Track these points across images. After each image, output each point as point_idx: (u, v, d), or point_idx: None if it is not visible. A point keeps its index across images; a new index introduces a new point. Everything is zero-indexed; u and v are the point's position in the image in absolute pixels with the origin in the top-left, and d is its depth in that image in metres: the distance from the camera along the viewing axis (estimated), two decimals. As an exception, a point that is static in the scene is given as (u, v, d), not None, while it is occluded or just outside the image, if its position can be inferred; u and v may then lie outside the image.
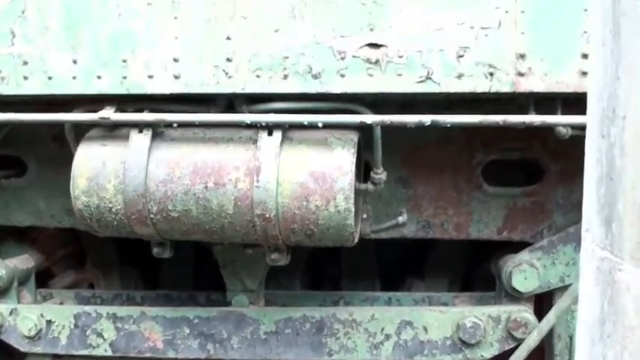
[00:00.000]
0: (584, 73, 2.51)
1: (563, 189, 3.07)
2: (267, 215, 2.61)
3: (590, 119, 1.27)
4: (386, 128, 2.72)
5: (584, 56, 2.53)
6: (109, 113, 2.80)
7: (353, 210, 2.60)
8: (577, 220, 2.37)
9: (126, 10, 2.79)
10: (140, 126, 2.80)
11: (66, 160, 2.91)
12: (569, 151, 2.90)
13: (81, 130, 2.97)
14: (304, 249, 3.37)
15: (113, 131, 2.89)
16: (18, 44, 2.90)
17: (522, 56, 2.57)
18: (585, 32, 2.53)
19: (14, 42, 2.91)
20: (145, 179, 2.70)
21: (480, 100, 2.74)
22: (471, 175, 3.10)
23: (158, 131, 2.81)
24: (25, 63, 2.89)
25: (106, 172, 2.76)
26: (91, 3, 2.81)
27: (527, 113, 2.67)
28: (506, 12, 2.58)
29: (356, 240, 2.81)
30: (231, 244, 3.01)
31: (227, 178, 2.66)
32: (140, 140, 2.76)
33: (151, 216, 2.72)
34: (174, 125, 2.81)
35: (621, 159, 1.11)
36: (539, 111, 2.67)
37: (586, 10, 2.52)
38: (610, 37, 1.18)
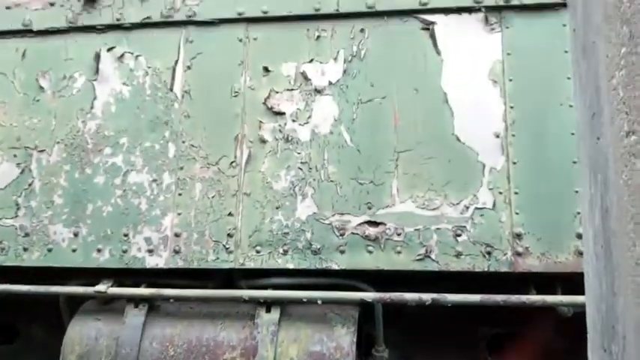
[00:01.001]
0: (581, 253, 2.53)
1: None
2: (264, 399, 2.50)
3: (591, 329, 1.25)
4: (388, 303, 2.69)
5: (580, 236, 2.57)
6: (105, 287, 2.77)
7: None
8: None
9: (131, 186, 2.87)
10: (136, 300, 2.76)
11: (59, 332, 2.84)
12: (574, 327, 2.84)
13: (76, 302, 2.93)
14: None
15: (108, 304, 2.85)
16: (21, 216, 2.95)
17: (518, 236, 2.61)
18: (579, 213, 2.59)
19: (18, 214, 2.96)
20: (137, 357, 2.61)
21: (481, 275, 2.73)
22: (476, 349, 3.01)
23: (154, 305, 2.77)
24: (27, 235, 2.92)
25: (97, 349, 2.68)
26: (97, 179, 2.90)
27: (527, 291, 2.65)
28: (500, 193, 2.66)
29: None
30: None
31: (222, 358, 2.58)
32: (135, 315, 2.72)
33: (142, 397, 2.60)
34: (171, 300, 2.78)
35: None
36: (540, 289, 2.65)
37: (577, 191, 2.60)
38: (602, 252, 1.19)
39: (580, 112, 1.34)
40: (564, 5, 2.70)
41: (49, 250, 2.88)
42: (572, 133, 2.60)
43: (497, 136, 2.71)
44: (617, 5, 1.16)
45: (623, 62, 1.12)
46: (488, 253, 2.62)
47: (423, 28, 2.84)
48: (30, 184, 2.99)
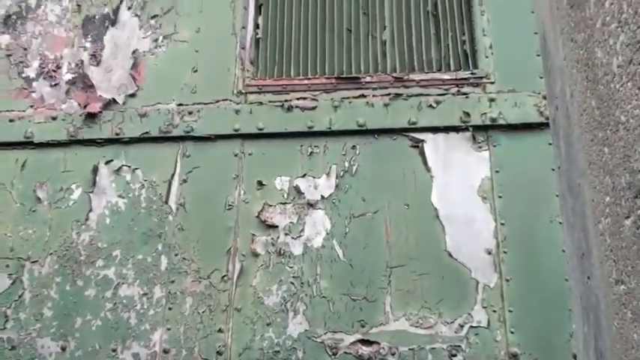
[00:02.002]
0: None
1: None
2: None
3: None
4: None
5: (575, 357, 2.52)
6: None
7: None
8: None
9: (121, 299, 2.85)
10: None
11: None
12: None
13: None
14: None
15: None
16: (9, 328, 2.90)
17: (515, 356, 2.56)
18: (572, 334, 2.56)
19: (6, 326, 2.91)
20: None
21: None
22: None
23: None
24: (13, 348, 2.85)
25: None
26: (88, 292, 2.88)
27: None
28: (494, 311, 2.63)
29: None
30: None
31: None
32: None
33: None
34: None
35: None
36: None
37: (570, 310, 2.57)
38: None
39: (569, 247, 1.35)
40: (548, 125, 2.80)
41: (34, 366, 2.81)
42: (564, 250, 2.61)
43: (490, 253, 2.72)
44: (599, 154, 1.18)
45: (607, 210, 1.12)
46: (485, 376, 2.55)
47: (413, 146, 2.93)
48: (20, 296, 2.95)
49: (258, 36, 3.28)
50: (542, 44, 2.08)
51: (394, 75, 3.06)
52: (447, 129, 2.92)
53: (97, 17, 3.45)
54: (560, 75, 1.77)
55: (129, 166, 3.09)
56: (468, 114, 2.91)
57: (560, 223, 2.66)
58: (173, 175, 3.04)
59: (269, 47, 3.27)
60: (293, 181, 2.95)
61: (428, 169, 2.88)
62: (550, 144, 2.82)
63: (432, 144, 2.92)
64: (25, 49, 3.48)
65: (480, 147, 2.88)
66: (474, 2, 3.14)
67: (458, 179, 2.85)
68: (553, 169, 2.75)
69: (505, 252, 2.71)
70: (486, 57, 3.02)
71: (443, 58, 3.12)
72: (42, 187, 3.13)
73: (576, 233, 1.34)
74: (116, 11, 3.44)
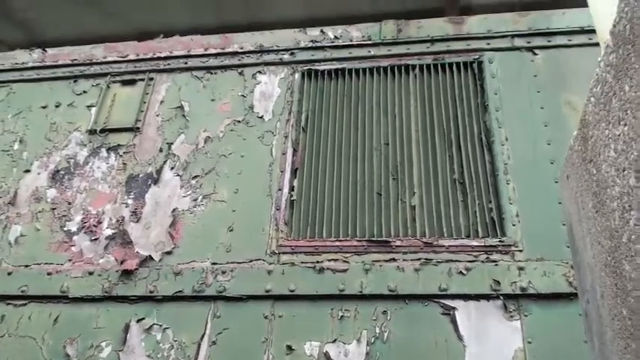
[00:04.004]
0: None
1: None
2: None
3: None
4: None
5: None
6: None
7: None
8: None
9: None
10: None
11: None
12: None
13: None
14: None
15: None
16: None
17: None
18: None
19: None
20: None
21: None
22: None
23: None
24: None
25: None
26: None
27: None
28: None
29: None
30: None
31: None
32: None
33: None
34: None
35: None
36: None
37: None
38: None
39: None
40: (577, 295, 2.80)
41: None
42: None
43: None
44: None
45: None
46: None
47: (444, 313, 2.93)
48: None
49: (292, 198, 3.43)
50: (570, 235, 2.16)
51: (424, 240, 3.14)
52: (477, 297, 2.93)
53: (140, 176, 3.67)
54: (590, 272, 1.82)
55: (160, 325, 3.11)
56: (498, 282, 2.93)
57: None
58: (203, 336, 3.04)
59: (303, 209, 3.41)
60: (323, 347, 2.93)
61: (460, 338, 2.86)
62: (580, 314, 2.81)
63: (464, 311, 2.91)
64: (70, 203, 3.67)
65: (512, 316, 2.87)
66: (499, 171, 3.29)
67: (491, 350, 2.80)
68: (585, 341, 2.71)
69: None
70: (513, 225, 3.11)
71: (471, 224, 3.21)
72: (72, 343, 3.14)
73: None
74: (159, 171, 3.66)
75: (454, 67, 3.78)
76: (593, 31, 3.44)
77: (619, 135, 1.37)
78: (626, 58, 1.33)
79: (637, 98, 1.27)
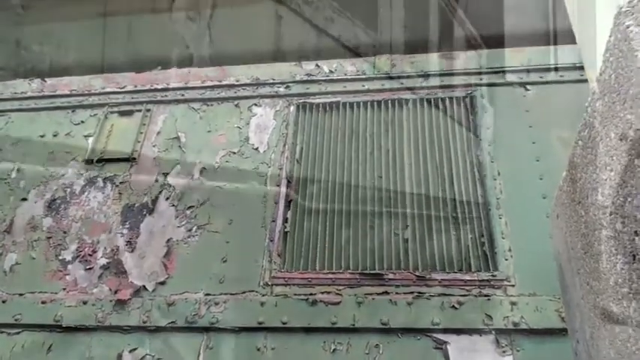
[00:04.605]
0: None
1: None
2: None
3: None
4: None
5: None
6: None
7: None
8: None
9: None
10: None
11: None
12: None
13: None
14: None
15: None
16: None
17: None
18: None
19: None
20: None
21: None
22: None
23: None
24: None
25: None
26: None
27: None
28: None
29: None
30: None
31: None
32: None
33: None
34: None
35: None
36: None
37: None
38: None
39: None
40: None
41: None
42: None
43: None
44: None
45: None
46: None
47: (436, 347, 2.93)
48: None
49: (286, 229, 3.46)
50: (560, 274, 2.19)
51: (416, 273, 3.16)
52: (470, 331, 2.94)
53: (136, 205, 3.69)
54: (579, 312, 1.85)
55: (152, 356, 3.10)
56: (490, 317, 2.95)
57: None
58: (195, 368, 3.03)
59: (296, 240, 3.44)
60: (315, 380, 2.92)
61: (452, 373, 2.86)
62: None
63: (456, 346, 2.92)
64: (65, 232, 3.68)
65: (504, 351, 2.88)
66: (491, 205, 3.33)
67: (483, 387, 2.81)
68: (579, 378, 2.72)
69: None
70: (506, 259, 3.14)
71: (464, 258, 3.24)
72: (63, 375, 3.12)
73: None
74: (155, 201, 3.69)
75: (447, 102, 3.85)
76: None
77: (606, 180, 1.41)
78: (612, 106, 1.38)
79: (622, 145, 1.32)
